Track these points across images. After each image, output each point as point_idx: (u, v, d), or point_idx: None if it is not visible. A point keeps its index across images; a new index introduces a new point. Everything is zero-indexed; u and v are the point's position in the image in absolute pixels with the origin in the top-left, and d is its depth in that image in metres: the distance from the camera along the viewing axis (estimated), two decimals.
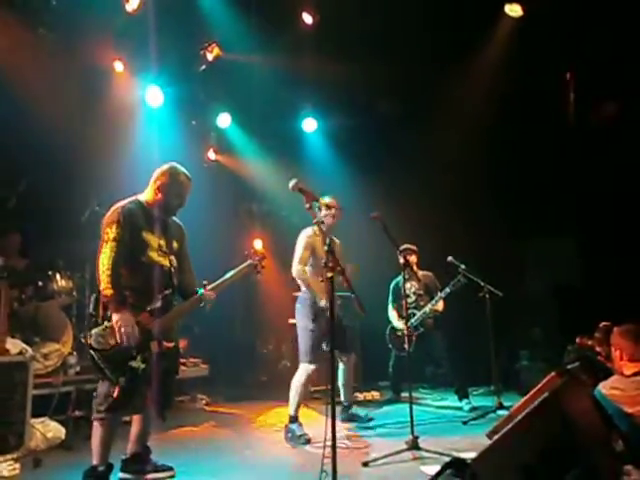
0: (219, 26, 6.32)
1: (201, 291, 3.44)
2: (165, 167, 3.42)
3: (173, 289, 3.37)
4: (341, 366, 4.84)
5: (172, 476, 3.50)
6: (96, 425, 3.21)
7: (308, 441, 4.27)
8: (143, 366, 3.09)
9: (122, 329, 3.04)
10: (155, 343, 3.17)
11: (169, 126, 6.41)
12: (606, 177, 6.18)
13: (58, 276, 5.17)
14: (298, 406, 4.47)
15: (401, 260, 4.37)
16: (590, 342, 4.01)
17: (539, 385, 3.00)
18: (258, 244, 7.76)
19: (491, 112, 6.45)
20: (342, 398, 4.91)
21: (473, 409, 5.21)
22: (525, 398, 2.99)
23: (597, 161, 6.25)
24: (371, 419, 4.93)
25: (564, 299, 6.12)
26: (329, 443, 2.91)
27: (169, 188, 3.34)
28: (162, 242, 3.35)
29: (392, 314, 5.95)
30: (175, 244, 3.45)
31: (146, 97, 6.35)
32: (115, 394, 3.06)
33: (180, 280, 3.44)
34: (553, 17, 5.84)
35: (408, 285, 5.58)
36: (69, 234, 5.42)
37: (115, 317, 3.06)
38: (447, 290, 5.38)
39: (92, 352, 3.06)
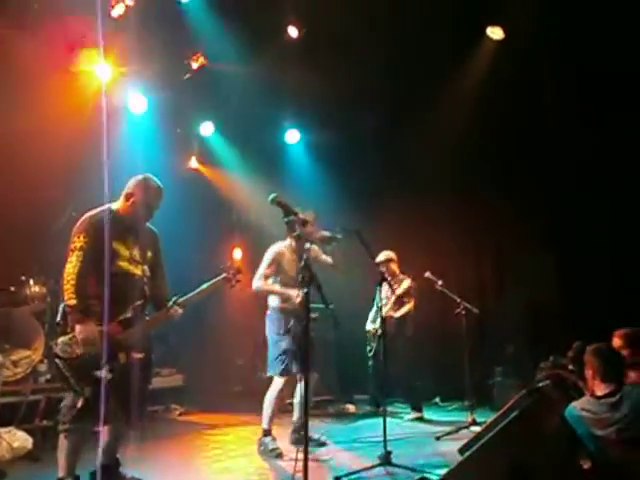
0: (205, 36, 6.34)
1: (172, 303, 3.40)
2: (138, 177, 3.44)
3: (145, 299, 3.34)
4: (301, 384, 4.79)
5: None
6: (62, 437, 3.16)
7: (279, 455, 4.23)
8: (110, 376, 3.05)
9: (83, 340, 3.02)
10: (123, 354, 3.14)
11: (151, 133, 6.38)
12: (584, 198, 6.31)
13: (32, 282, 5.08)
14: (271, 420, 4.42)
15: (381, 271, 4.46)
16: (564, 361, 4.06)
17: (510, 402, 3.02)
18: (237, 254, 7.74)
19: (472, 129, 6.56)
20: (294, 418, 4.65)
21: (416, 419, 5.48)
22: (496, 415, 3.02)
23: (576, 181, 6.39)
24: (324, 443, 4.64)
25: (540, 317, 6.20)
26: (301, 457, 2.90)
27: (140, 198, 3.35)
28: (134, 252, 3.33)
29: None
30: (149, 253, 3.43)
31: (129, 103, 6.32)
32: (79, 404, 3.03)
33: (153, 290, 3.41)
34: (532, 40, 5.99)
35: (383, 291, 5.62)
36: (44, 240, 5.34)
37: (78, 327, 3.04)
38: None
39: (58, 360, 3.04)
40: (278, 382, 4.42)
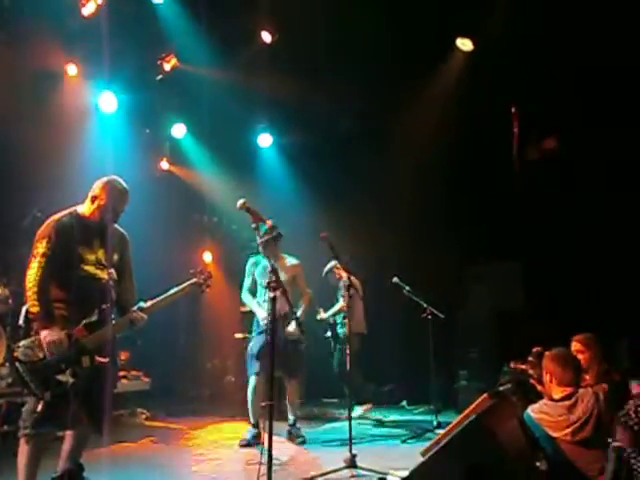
0: (178, 37, 6.32)
1: (137, 308, 3.37)
2: (103, 180, 3.40)
3: (111, 303, 3.31)
4: (287, 386, 4.93)
5: None
6: (22, 442, 3.09)
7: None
8: (72, 380, 3.01)
9: (49, 343, 2.98)
10: (87, 358, 3.09)
11: (121, 133, 6.32)
12: (548, 205, 6.49)
13: None
14: (254, 415, 4.75)
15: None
16: (523, 366, 4.17)
17: (472, 406, 3.10)
18: (208, 257, 7.71)
19: (444, 138, 6.68)
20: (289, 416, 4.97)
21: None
22: (458, 418, 3.09)
23: (540, 189, 6.56)
24: (304, 442, 4.86)
25: (505, 321, 6.33)
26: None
27: (105, 201, 3.32)
28: (100, 255, 3.30)
29: None
30: (115, 256, 3.40)
31: (99, 102, 6.24)
32: (39, 409, 2.98)
33: (119, 294, 3.38)
34: (500, 52, 6.14)
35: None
36: (6, 241, 5.22)
37: (43, 333, 3.01)
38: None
39: (18, 364, 2.98)
40: (251, 381, 4.79)
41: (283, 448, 4.59)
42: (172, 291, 3.47)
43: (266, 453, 2.94)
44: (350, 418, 4.13)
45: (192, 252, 7.46)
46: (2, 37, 5.38)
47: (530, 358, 4.16)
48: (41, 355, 2.99)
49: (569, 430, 3.00)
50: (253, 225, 3.16)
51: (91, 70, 6.05)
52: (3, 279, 5.04)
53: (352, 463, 3.91)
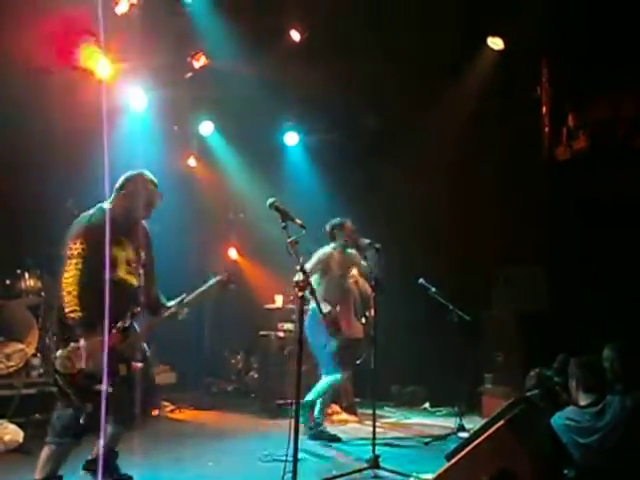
0: (207, 34, 6.37)
1: (172, 303, 3.36)
2: (132, 174, 3.28)
3: (142, 306, 3.25)
4: (326, 379, 4.90)
5: None
6: (53, 447, 3.02)
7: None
8: (111, 390, 2.92)
9: (89, 351, 2.90)
10: (124, 366, 3.04)
11: (151, 130, 6.40)
12: (577, 209, 6.37)
13: (27, 275, 5.08)
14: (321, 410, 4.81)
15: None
16: (549, 372, 4.12)
17: (498, 410, 3.07)
18: (233, 253, 7.77)
19: (472, 136, 6.60)
20: (315, 414, 4.87)
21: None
22: (484, 422, 3.06)
23: (569, 192, 6.45)
24: (338, 439, 4.88)
25: (531, 326, 6.24)
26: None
27: (137, 197, 3.19)
28: (130, 255, 3.22)
29: None
30: (142, 254, 3.31)
31: (130, 100, 6.33)
32: (82, 421, 2.91)
33: (147, 295, 3.32)
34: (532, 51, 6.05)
35: None
36: (40, 233, 5.34)
37: (83, 341, 2.91)
38: None
39: (57, 376, 2.91)
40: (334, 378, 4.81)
41: (306, 446, 4.60)
42: (199, 290, 3.42)
43: (291, 450, 2.95)
44: (374, 418, 4.12)
45: (218, 248, 7.52)
46: (35, 31, 5.48)
47: (555, 364, 4.11)
48: (79, 366, 2.90)
49: (596, 437, 2.96)
50: (282, 224, 3.15)
51: (122, 67, 6.14)
52: (36, 271, 5.15)
53: (375, 463, 3.91)
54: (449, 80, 6.64)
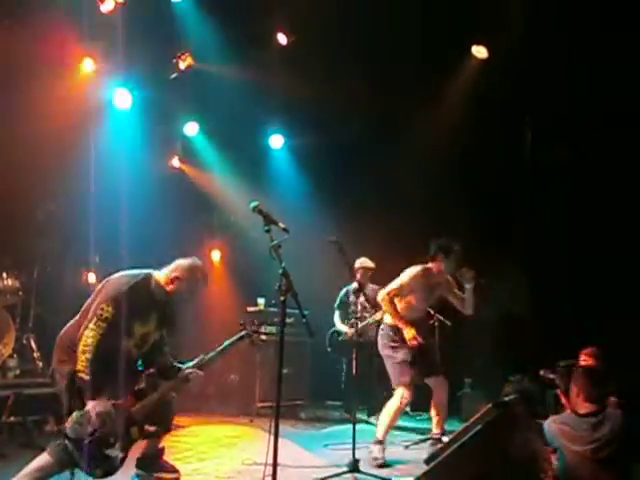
0: (194, 35, 6.35)
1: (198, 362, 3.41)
2: (189, 262, 3.38)
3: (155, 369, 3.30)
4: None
5: None
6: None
7: (380, 465, 4.22)
8: (122, 455, 2.94)
9: (98, 414, 2.88)
10: (135, 429, 3.03)
11: (135, 130, 6.35)
12: (559, 212, 6.46)
13: (4, 275, 5.00)
14: (386, 430, 4.47)
15: (355, 284, 4.66)
16: (552, 376, 4.18)
17: (477, 415, 3.09)
18: (216, 256, 7.73)
19: (457, 143, 6.67)
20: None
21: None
22: (462, 427, 3.09)
23: (551, 197, 6.54)
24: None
25: (510, 331, 6.31)
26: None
27: (186, 284, 3.30)
28: (150, 329, 3.27)
29: (337, 318, 6.22)
30: (164, 332, 3.40)
31: (114, 98, 6.28)
32: None
33: (158, 361, 3.37)
34: (515, 60, 6.13)
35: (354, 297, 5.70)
36: (19, 233, 5.26)
37: (91, 403, 2.91)
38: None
39: (67, 442, 2.85)
40: (400, 392, 4.49)
41: (285, 450, 4.59)
42: (225, 344, 3.50)
43: (271, 454, 2.94)
44: (354, 421, 4.13)
45: (201, 250, 7.47)
46: (19, 29, 5.41)
47: (559, 369, 4.17)
48: (90, 430, 2.86)
49: (590, 447, 3.01)
50: (265, 227, 3.15)
51: (107, 66, 6.09)
52: (14, 271, 5.07)
53: (355, 467, 3.92)
54: (433, 86, 6.71)
